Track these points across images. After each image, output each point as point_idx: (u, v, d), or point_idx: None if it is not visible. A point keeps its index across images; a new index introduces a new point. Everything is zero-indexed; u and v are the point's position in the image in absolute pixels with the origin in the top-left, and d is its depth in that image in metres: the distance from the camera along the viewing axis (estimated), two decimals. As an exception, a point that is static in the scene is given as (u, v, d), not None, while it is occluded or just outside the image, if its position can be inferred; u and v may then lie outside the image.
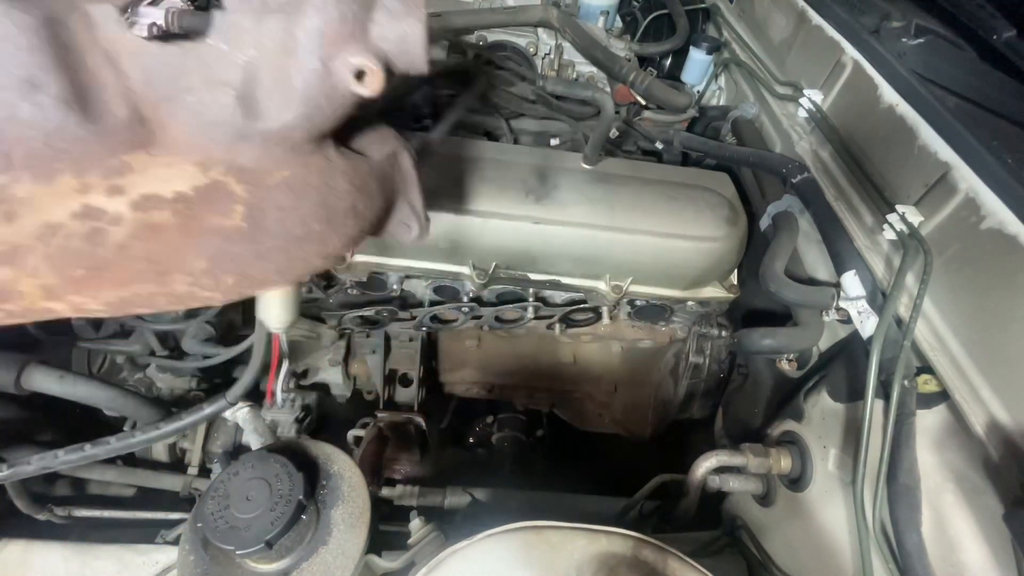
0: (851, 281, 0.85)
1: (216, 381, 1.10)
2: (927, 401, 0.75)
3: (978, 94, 0.89)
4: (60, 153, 0.39)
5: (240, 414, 0.98)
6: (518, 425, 1.33)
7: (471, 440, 1.37)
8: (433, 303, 1.19)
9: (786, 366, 0.99)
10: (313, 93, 0.42)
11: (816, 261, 1.01)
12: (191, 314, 0.96)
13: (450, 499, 1.06)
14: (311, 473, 0.57)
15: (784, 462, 0.93)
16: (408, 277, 1.13)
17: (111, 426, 1.01)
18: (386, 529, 0.93)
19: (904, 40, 0.99)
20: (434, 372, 1.43)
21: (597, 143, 1.07)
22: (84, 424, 0.99)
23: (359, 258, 1.05)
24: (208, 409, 0.87)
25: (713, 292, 1.14)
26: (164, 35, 0.42)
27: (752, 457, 0.94)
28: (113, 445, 0.86)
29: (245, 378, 0.88)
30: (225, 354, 0.95)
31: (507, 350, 1.39)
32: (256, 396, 1.05)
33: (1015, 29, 0.98)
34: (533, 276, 1.10)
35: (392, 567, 0.76)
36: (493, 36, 1.23)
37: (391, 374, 1.25)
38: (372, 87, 0.42)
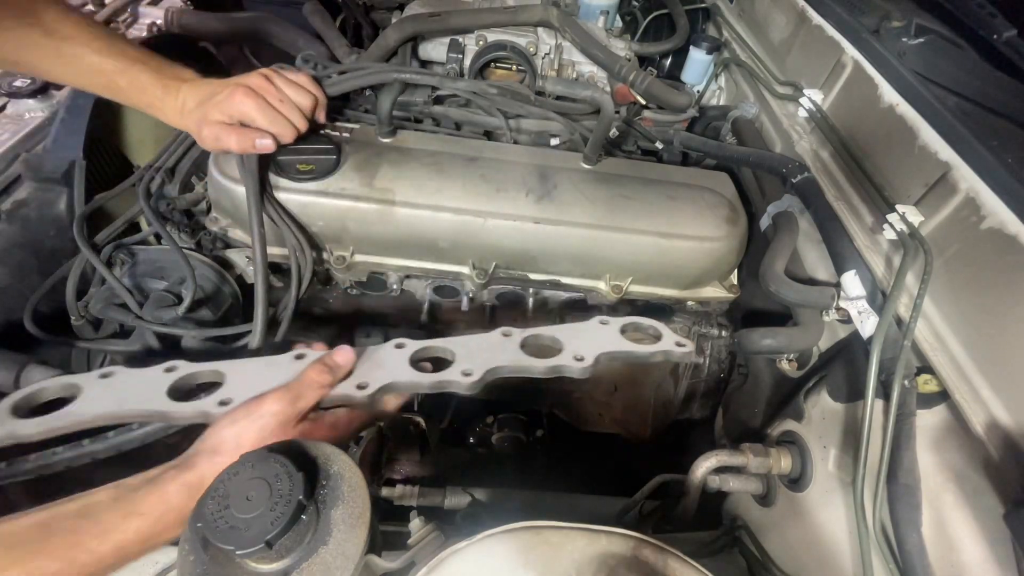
0: (851, 281, 0.85)
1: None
2: (927, 401, 0.75)
3: (978, 94, 0.89)
4: None
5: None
6: (518, 425, 1.33)
7: (471, 440, 1.37)
8: (433, 303, 1.19)
9: (786, 366, 0.99)
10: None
11: (816, 261, 1.01)
12: (190, 313, 0.96)
13: (450, 499, 1.06)
14: (311, 473, 0.57)
15: (784, 462, 0.93)
16: (408, 277, 1.13)
17: (111, 427, 1.00)
18: (386, 529, 0.93)
19: (904, 40, 0.99)
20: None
21: (597, 143, 1.07)
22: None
23: (359, 258, 1.05)
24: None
25: (713, 292, 1.14)
26: None
27: (752, 457, 0.94)
28: (112, 440, 0.86)
29: None
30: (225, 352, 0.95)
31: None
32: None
33: (1015, 29, 0.98)
34: (533, 276, 1.10)
35: (392, 567, 0.76)
36: (493, 36, 1.23)
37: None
38: None
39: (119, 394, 0.68)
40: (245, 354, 0.88)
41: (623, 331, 0.81)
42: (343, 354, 0.73)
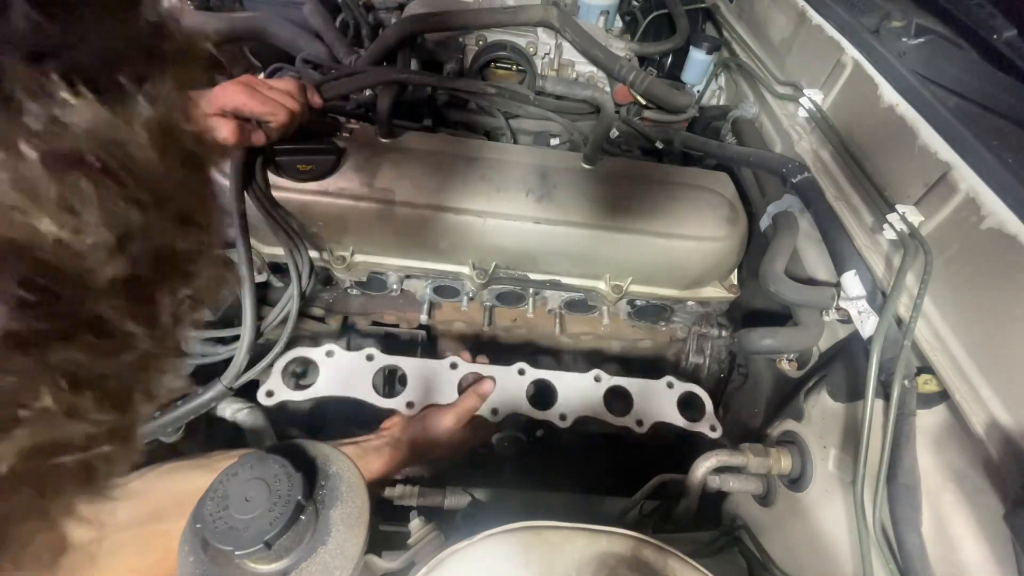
0: (851, 281, 0.85)
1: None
2: (927, 401, 0.75)
3: (978, 94, 0.89)
4: None
5: (240, 415, 0.98)
6: (518, 425, 1.33)
7: (471, 440, 1.37)
8: (432, 303, 1.19)
9: (786, 366, 0.99)
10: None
11: (816, 261, 1.01)
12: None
13: (450, 499, 1.06)
14: (310, 474, 0.57)
15: (784, 462, 0.93)
16: (408, 277, 1.13)
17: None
18: (386, 529, 0.93)
19: (904, 40, 0.99)
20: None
21: (597, 143, 1.07)
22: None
23: (359, 258, 1.05)
24: (206, 395, 0.89)
25: (713, 292, 1.14)
26: None
27: (752, 457, 0.94)
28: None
29: (237, 358, 0.89)
30: (225, 352, 0.95)
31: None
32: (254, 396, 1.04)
33: (1015, 29, 0.98)
34: (533, 276, 1.10)
35: (392, 567, 0.76)
36: (493, 36, 1.23)
37: (390, 374, 1.25)
38: None
39: (343, 378, 0.94)
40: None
41: (679, 401, 1.05)
42: (490, 386, 0.97)
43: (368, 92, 1.16)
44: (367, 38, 1.53)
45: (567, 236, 1.01)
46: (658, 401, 1.03)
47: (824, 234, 0.93)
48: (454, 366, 0.98)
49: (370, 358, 0.96)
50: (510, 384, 0.99)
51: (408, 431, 0.93)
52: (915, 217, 0.79)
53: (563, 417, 0.98)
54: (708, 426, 1.05)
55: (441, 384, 0.97)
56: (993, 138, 0.75)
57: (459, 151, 1.07)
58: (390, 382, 1.00)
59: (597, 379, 1.02)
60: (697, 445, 1.16)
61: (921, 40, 0.99)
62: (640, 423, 1.01)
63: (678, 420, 1.03)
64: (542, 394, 1.01)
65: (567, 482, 1.20)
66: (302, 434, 1.18)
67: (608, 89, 1.24)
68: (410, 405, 0.94)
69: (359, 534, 0.56)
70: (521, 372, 0.99)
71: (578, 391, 1.00)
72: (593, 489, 1.17)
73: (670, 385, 1.05)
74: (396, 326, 1.26)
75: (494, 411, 0.97)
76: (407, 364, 0.98)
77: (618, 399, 1.03)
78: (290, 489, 0.51)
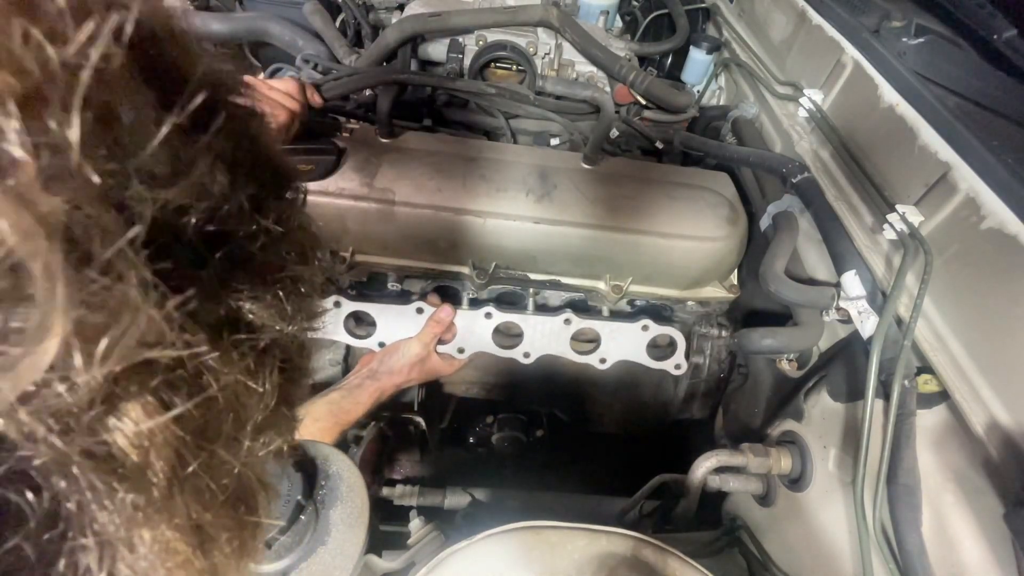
0: (851, 281, 0.85)
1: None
2: (927, 401, 0.75)
3: (978, 94, 0.89)
4: None
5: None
6: (518, 425, 1.33)
7: (471, 440, 1.37)
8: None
9: (786, 366, 0.99)
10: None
11: (816, 261, 1.01)
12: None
13: (450, 499, 1.06)
14: (310, 473, 0.57)
15: (784, 462, 0.93)
16: (408, 277, 1.13)
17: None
18: (386, 529, 0.93)
19: (904, 40, 0.99)
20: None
21: (597, 143, 1.07)
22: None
23: (359, 258, 1.05)
24: None
25: (713, 292, 1.14)
26: None
27: (752, 457, 0.94)
28: None
29: None
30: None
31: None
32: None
33: (1015, 29, 0.98)
34: (533, 276, 1.09)
35: (392, 567, 0.76)
36: (493, 36, 1.23)
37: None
38: None
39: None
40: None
41: (650, 343, 1.07)
42: (447, 312, 1.04)
43: (368, 92, 1.16)
44: (367, 38, 1.53)
45: (567, 236, 1.01)
46: (626, 341, 1.07)
47: (824, 234, 0.93)
48: (420, 311, 1.04)
49: (337, 304, 1.01)
50: (476, 325, 1.04)
51: (384, 363, 1.02)
52: (915, 217, 0.79)
53: (527, 355, 1.04)
54: (673, 364, 1.10)
55: (408, 328, 1.04)
56: (993, 138, 0.75)
57: (459, 151, 1.06)
58: (360, 327, 1.06)
59: (567, 321, 1.06)
60: (697, 445, 1.16)
61: (921, 40, 0.99)
62: (603, 361, 1.06)
63: (644, 359, 1.07)
64: (509, 335, 1.06)
65: (567, 482, 1.20)
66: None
67: (608, 89, 1.24)
68: (382, 345, 1.03)
69: (359, 534, 0.56)
70: (488, 316, 1.04)
71: (545, 332, 1.05)
72: (593, 489, 1.17)
73: (645, 328, 1.08)
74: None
75: (460, 350, 1.04)
76: (375, 309, 1.04)
77: (587, 341, 1.07)
78: (290, 489, 0.51)
